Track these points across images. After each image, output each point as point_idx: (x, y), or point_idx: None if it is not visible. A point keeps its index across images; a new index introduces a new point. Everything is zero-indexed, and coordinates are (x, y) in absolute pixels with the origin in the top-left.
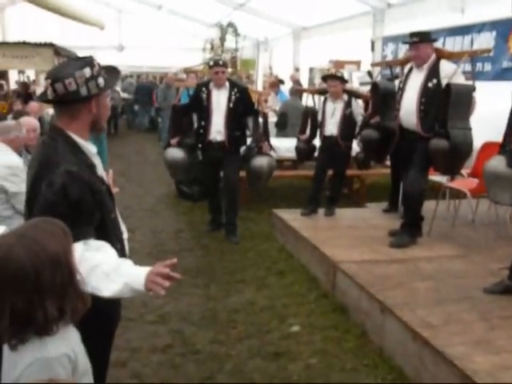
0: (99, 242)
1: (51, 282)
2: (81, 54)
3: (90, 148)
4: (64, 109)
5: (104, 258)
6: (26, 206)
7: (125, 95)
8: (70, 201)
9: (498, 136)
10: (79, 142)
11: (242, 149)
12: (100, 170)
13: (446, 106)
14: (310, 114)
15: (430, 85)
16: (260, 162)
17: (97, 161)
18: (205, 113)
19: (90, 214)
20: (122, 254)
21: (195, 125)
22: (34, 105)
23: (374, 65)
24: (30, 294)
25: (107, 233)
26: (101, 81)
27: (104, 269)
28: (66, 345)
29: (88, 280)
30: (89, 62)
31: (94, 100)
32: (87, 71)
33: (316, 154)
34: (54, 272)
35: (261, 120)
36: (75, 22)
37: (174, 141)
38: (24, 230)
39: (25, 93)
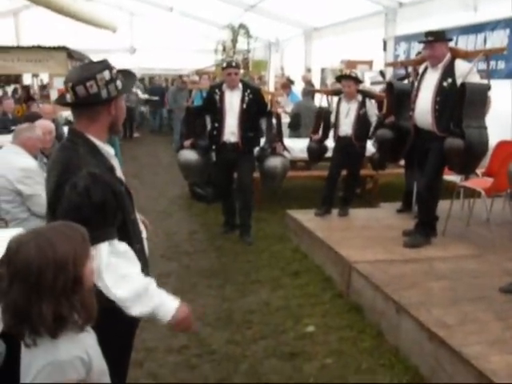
0: (123, 244)
1: (51, 284)
2: (93, 57)
3: (109, 150)
4: (84, 112)
5: (130, 270)
6: (48, 209)
7: (145, 96)
8: (94, 202)
9: None
10: (98, 144)
11: (256, 150)
12: (119, 172)
13: (461, 105)
14: (324, 114)
15: (445, 84)
16: (274, 162)
17: (115, 162)
18: (218, 114)
19: (113, 215)
20: (142, 253)
21: (208, 126)
22: (47, 107)
23: (388, 64)
24: (30, 292)
25: (128, 233)
26: (119, 83)
27: (135, 287)
28: (80, 347)
29: (115, 291)
30: (107, 65)
31: (114, 102)
32: (107, 74)
33: (328, 154)
34: (57, 275)
35: (274, 121)
36: (88, 26)
37: (187, 142)
38: (43, 229)
39: (26, 96)
